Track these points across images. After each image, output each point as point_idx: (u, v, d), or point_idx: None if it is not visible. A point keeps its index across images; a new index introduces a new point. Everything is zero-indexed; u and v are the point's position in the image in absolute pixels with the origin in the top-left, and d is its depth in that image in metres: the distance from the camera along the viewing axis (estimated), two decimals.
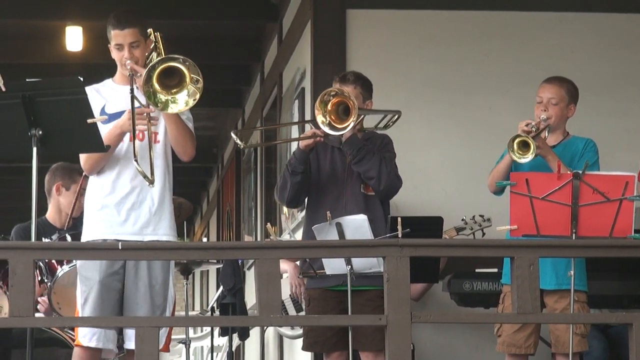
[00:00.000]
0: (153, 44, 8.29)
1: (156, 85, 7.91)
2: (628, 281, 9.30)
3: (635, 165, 8.78)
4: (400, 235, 8.21)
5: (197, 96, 8.07)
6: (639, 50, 10.88)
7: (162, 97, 7.96)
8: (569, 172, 8.32)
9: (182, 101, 8.04)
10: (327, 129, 8.56)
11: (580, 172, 8.35)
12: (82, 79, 7.95)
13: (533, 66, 10.23)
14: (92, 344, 8.19)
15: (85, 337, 8.16)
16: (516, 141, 8.48)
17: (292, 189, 8.89)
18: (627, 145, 9.24)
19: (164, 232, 8.29)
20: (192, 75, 8.02)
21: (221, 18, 14.25)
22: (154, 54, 8.27)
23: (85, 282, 8.08)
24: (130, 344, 8.16)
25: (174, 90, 7.99)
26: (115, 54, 8.30)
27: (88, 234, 8.20)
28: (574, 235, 8.28)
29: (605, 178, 8.36)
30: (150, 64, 7.97)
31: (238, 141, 9.93)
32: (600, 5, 11.00)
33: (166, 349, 8.86)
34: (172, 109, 8.03)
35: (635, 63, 10.83)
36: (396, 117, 9.02)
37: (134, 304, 8.16)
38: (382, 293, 8.15)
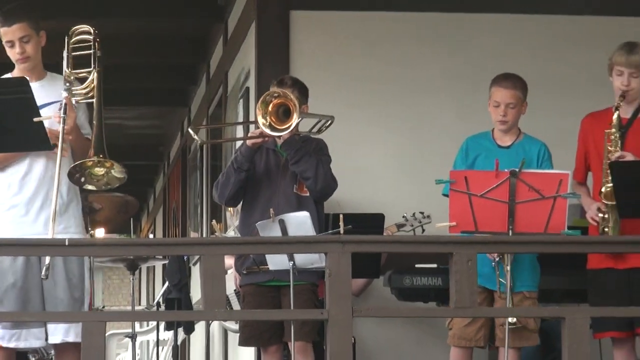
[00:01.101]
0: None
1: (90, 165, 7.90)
2: (560, 276, 9.37)
3: (570, 164, 8.86)
4: (342, 232, 8.29)
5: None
6: (572, 51, 10.96)
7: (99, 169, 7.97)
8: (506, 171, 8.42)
9: (118, 171, 7.98)
10: (267, 130, 8.58)
11: (517, 170, 8.46)
12: (27, 78, 8.00)
13: (470, 66, 10.32)
14: (12, 345, 8.13)
15: (4, 338, 8.08)
16: None
17: (234, 186, 8.93)
18: (562, 143, 9.32)
19: (74, 230, 8.20)
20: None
21: (168, 18, 14.19)
22: (96, 53, 8.22)
23: (2, 281, 7.99)
24: (53, 338, 8.13)
25: (108, 164, 7.94)
26: (9, 52, 8.18)
27: None
28: (510, 231, 8.33)
29: (540, 176, 8.43)
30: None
31: (195, 137, 9.97)
32: (535, 7, 11.07)
33: None
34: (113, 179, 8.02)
35: (569, 64, 10.91)
36: (329, 122, 9.03)
37: (54, 299, 8.06)
38: (312, 287, 8.26)
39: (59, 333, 8.13)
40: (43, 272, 7.81)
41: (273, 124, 8.59)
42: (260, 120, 8.57)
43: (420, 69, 10.96)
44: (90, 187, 8.04)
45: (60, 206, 8.06)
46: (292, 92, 8.76)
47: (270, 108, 8.58)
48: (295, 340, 8.62)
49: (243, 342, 9.08)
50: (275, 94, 8.62)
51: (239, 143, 9.52)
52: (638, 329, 8.69)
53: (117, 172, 7.98)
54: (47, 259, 7.82)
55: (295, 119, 8.56)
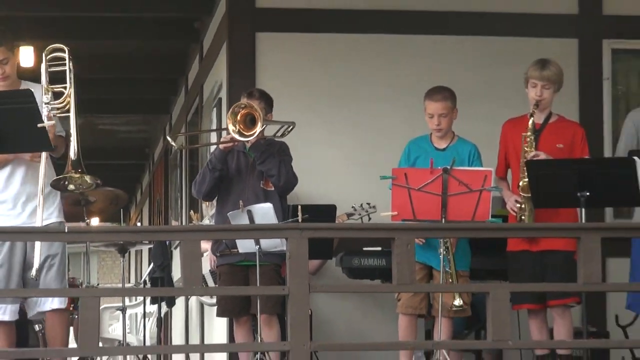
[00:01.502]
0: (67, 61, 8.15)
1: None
2: (485, 257, 9.38)
3: (495, 162, 8.92)
4: (300, 220, 8.34)
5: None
6: (495, 66, 10.97)
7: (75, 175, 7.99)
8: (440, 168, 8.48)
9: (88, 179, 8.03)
10: (237, 136, 8.65)
11: (449, 167, 8.52)
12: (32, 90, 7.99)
13: (413, 79, 10.31)
14: (6, 318, 8.15)
15: None
16: None
17: (209, 184, 8.99)
18: (489, 145, 9.36)
19: (56, 215, 8.18)
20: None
21: (154, 40, 14.18)
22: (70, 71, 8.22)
23: None
24: (45, 307, 8.16)
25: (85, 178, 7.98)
26: None
27: None
28: (443, 219, 8.40)
29: (468, 172, 8.49)
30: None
31: (173, 143, 10.01)
32: (466, 29, 11.10)
33: (68, 307, 8.85)
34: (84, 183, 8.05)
35: (494, 78, 10.93)
36: (291, 127, 9.08)
37: (38, 279, 7.99)
38: (275, 267, 8.29)
39: (47, 303, 8.15)
40: (33, 273, 7.85)
41: (241, 130, 8.65)
42: (231, 127, 8.63)
43: (368, 82, 10.93)
44: (71, 187, 8.07)
45: (41, 199, 8.00)
46: (259, 103, 8.84)
47: (238, 117, 8.65)
48: (261, 312, 8.69)
49: (220, 313, 9.16)
50: (242, 105, 8.69)
51: (212, 147, 9.53)
52: (549, 302, 8.75)
53: (90, 179, 8.04)
54: (37, 263, 7.87)
55: (259, 127, 8.62)
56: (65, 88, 8.10)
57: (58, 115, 8.10)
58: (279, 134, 9.08)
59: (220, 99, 11.94)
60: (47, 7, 12.36)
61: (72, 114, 8.06)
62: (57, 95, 8.12)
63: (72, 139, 7.98)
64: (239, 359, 9.14)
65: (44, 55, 8.16)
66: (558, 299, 8.69)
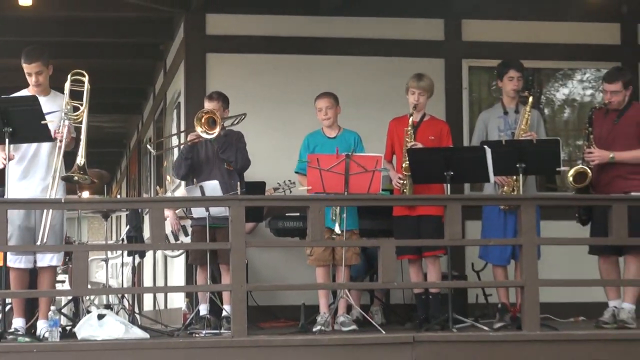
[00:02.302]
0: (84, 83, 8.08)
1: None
2: (376, 221, 9.36)
3: (376, 150, 8.86)
4: (239, 193, 8.24)
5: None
6: (383, 78, 10.96)
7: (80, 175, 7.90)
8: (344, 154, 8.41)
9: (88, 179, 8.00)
10: (204, 135, 8.60)
11: (350, 154, 8.45)
12: (37, 96, 7.86)
13: (322, 88, 10.15)
14: (22, 265, 8.01)
15: (15, 261, 7.96)
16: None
17: (184, 168, 8.94)
18: (378, 136, 9.32)
19: (60, 193, 8.01)
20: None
21: (129, 58, 14.07)
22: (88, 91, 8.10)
23: (11, 224, 7.77)
24: (42, 262, 8.02)
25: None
26: (28, 79, 8.13)
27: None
28: (346, 192, 8.34)
29: (364, 157, 8.44)
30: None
31: (152, 150, 9.95)
32: (360, 51, 11.06)
33: (63, 263, 8.83)
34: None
35: (382, 86, 10.90)
36: (243, 117, 9.03)
37: (45, 236, 7.86)
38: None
39: (46, 260, 8.01)
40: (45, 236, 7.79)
41: (206, 130, 8.60)
42: (198, 129, 8.58)
43: (289, 90, 10.89)
44: (75, 179, 7.97)
45: (55, 176, 7.97)
46: (218, 102, 8.82)
47: (202, 121, 8.60)
48: (221, 262, 8.62)
49: (192, 261, 9.02)
50: (205, 111, 8.63)
51: (176, 146, 9.37)
52: (424, 254, 8.74)
53: (89, 179, 8.02)
54: (47, 225, 7.79)
55: (219, 127, 8.58)
56: (81, 105, 8.03)
57: (74, 124, 8.05)
58: (236, 122, 9.01)
59: (179, 103, 11.84)
60: (51, 33, 12.14)
61: (83, 125, 7.98)
62: (74, 109, 8.06)
63: (81, 145, 7.90)
64: (198, 297, 8.98)
65: (69, 76, 8.10)
66: (430, 251, 8.68)
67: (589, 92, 11.69)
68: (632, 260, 8.35)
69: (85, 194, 9.87)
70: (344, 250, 8.54)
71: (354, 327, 8.31)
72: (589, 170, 8.38)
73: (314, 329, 8.21)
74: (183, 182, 10.32)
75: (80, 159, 7.89)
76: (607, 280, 8.44)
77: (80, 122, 8.02)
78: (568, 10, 11.17)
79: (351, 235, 8.60)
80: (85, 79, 8.06)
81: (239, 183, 8.48)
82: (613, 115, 8.54)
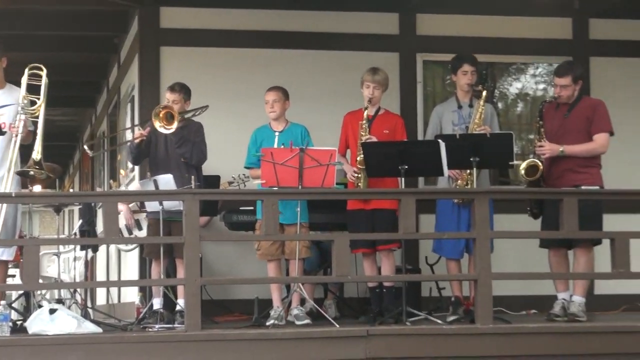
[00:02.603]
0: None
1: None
2: (330, 214, 9.35)
3: (330, 143, 8.85)
4: (193, 186, 8.20)
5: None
6: (338, 72, 10.92)
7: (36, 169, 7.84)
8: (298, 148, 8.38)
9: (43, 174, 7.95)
10: (162, 130, 8.56)
11: (304, 147, 8.42)
12: None
13: (275, 82, 10.09)
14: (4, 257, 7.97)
15: None
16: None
17: (135, 155, 8.91)
18: (326, 130, 9.31)
19: (14, 187, 7.95)
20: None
21: (83, 52, 13.96)
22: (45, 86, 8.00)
23: None
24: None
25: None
26: None
27: None
28: (300, 186, 8.31)
29: (318, 151, 8.41)
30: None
31: (88, 151, 9.95)
32: (313, 45, 11.02)
33: (17, 259, 8.80)
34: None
35: (336, 82, 10.87)
36: (205, 108, 9.01)
37: None
38: None
39: None
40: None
41: (164, 126, 8.55)
42: (157, 124, 8.55)
43: (245, 84, 10.82)
44: (31, 174, 7.89)
45: (10, 170, 7.91)
46: (180, 94, 8.80)
47: (161, 115, 8.54)
48: (178, 257, 8.53)
49: (147, 254, 8.95)
50: (162, 107, 8.62)
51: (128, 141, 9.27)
52: (378, 247, 8.76)
53: (44, 174, 7.95)
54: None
55: (176, 122, 8.55)
56: (38, 99, 7.95)
57: (30, 118, 7.99)
58: (198, 114, 8.97)
59: (133, 97, 11.76)
60: (3, 26, 12.00)
61: (40, 120, 7.90)
62: (31, 103, 7.99)
63: (37, 139, 7.81)
64: (152, 291, 8.91)
65: (26, 69, 8.01)
66: (384, 245, 8.69)
67: (541, 86, 11.76)
68: (581, 253, 8.42)
69: (37, 188, 9.77)
70: (297, 244, 8.52)
71: (307, 321, 8.30)
72: (540, 164, 8.44)
73: (268, 323, 8.19)
74: (137, 176, 10.25)
75: (37, 154, 7.81)
76: (560, 274, 8.50)
77: (37, 117, 7.95)
78: (521, 5, 11.22)
79: (301, 228, 8.58)
80: (44, 73, 8.00)
81: (193, 177, 8.42)
82: (563, 109, 8.61)
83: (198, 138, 8.86)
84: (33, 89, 8.00)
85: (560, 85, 8.53)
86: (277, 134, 8.88)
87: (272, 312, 8.47)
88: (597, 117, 8.53)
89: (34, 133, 7.97)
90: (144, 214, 9.27)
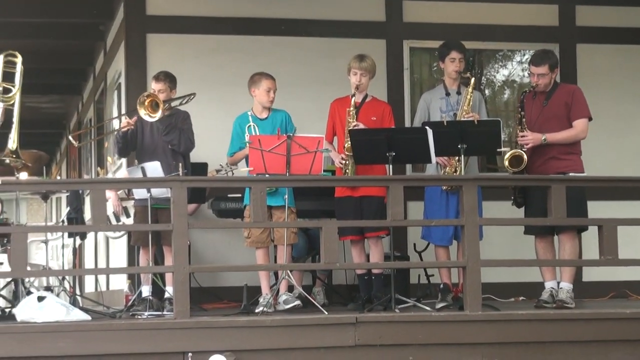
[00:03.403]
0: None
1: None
2: (318, 201, 9.30)
3: (316, 130, 8.81)
4: (181, 174, 8.15)
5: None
6: (326, 60, 10.88)
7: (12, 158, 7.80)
8: (285, 135, 8.33)
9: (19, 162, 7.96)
10: (147, 118, 8.49)
11: (292, 134, 8.37)
12: None
13: (262, 69, 10.06)
14: None
15: None
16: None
17: (122, 147, 8.84)
18: (312, 117, 9.28)
19: None
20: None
21: (69, 39, 13.85)
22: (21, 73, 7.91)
23: None
24: None
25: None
26: None
27: None
28: (288, 173, 8.26)
29: (306, 138, 8.35)
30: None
31: (74, 142, 10.08)
32: (299, 32, 10.99)
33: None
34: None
35: (323, 69, 10.82)
36: (192, 97, 8.94)
37: None
38: None
39: None
40: None
41: (149, 114, 8.48)
42: (142, 112, 8.47)
43: (230, 71, 10.77)
44: (7, 162, 7.89)
45: None
46: (165, 83, 8.73)
47: (146, 104, 8.47)
48: (166, 244, 8.50)
49: (134, 242, 8.89)
50: (147, 95, 8.53)
51: (115, 130, 9.22)
52: (366, 234, 8.74)
53: (20, 163, 7.93)
54: None
55: (161, 110, 8.47)
56: (14, 87, 7.82)
57: (5, 107, 7.87)
58: (185, 102, 8.90)
59: (120, 84, 11.72)
60: None
61: (15, 108, 7.79)
62: (5, 90, 7.87)
63: (13, 128, 7.72)
64: (140, 278, 8.86)
65: (1, 57, 7.87)
66: (373, 232, 8.67)
67: (528, 73, 11.74)
68: (566, 239, 8.42)
69: (24, 175, 9.70)
70: (285, 230, 8.48)
71: (297, 302, 8.28)
72: (524, 154, 8.42)
73: (257, 310, 8.15)
74: (124, 164, 10.19)
75: (12, 143, 7.72)
76: (549, 261, 8.50)
77: (12, 105, 7.84)
78: None
79: (290, 213, 8.54)
80: (19, 60, 7.87)
81: (180, 164, 8.37)
82: (541, 98, 8.62)
83: (185, 126, 8.80)
84: (8, 77, 7.89)
85: (538, 74, 8.54)
86: (260, 121, 8.81)
87: (260, 300, 8.43)
88: (576, 103, 8.56)
89: (9, 122, 7.85)
90: (132, 202, 9.21)
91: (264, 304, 8.28)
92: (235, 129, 8.87)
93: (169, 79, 8.83)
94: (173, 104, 8.84)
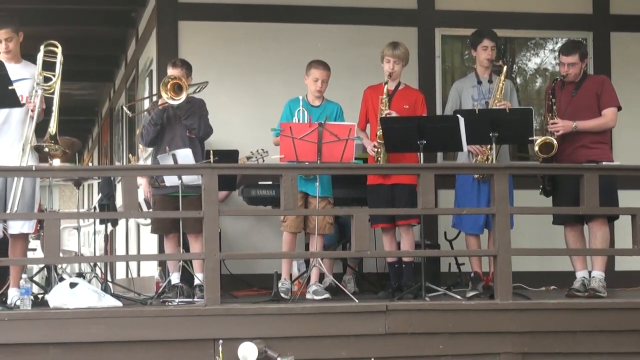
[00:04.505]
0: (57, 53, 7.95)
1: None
2: (350, 189, 9.29)
3: (351, 118, 8.79)
4: (212, 161, 8.16)
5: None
6: (358, 47, 10.82)
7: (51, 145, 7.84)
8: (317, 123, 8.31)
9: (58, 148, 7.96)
10: (170, 101, 8.46)
11: (323, 122, 8.35)
12: (7, 63, 7.75)
13: (293, 57, 10.10)
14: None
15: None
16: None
17: (152, 134, 8.75)
18: (348, 105, 9.28)
19: (32, 160, 7.94)
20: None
21: (102, 26, 13.93)
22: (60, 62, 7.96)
23: None
24: (13, 230, 7.92)
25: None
26: None
27: None
28: (319, 161, 8.24)
29: (337, 126, 8.36)
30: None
31: (128, 112, 10.09)
32: (333, 19, 10.92)
33: (36, 231, 8.85)
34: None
35: (359, 55, 10.77)
36: (205, 85, 8.90)
37: (15, 204, 7.81)
38: (199, 197, 8.06)
39: (17, 227, 7.91)
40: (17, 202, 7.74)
41: (172, 97, 8.45)
42: (164, 95, 8.45)
43: (261, 59, 10.77)
44: (46, 150, 7.91)
45: (26, 145, 7.87)
46: (182, 70, 8.67)
47: (169, 87, 8.46)
48: (189, 232, 8.48)
49: (154, 231, 8.93)
50: (171, 77, 8.49)
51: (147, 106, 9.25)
52: (397, 222, 8.72)
53: (59, 149, 7.93)
54: (17, 194, 7.76)
55: (185, 93, 8.42)
56: (54, 76, 7.93)
57: (45, 94, 7.94)
58: (199, 90, 8.87)
59: (151, 71, 11.73)
60: (21, 0, 11.97)
61: (55, 96, 7.86)
62: (46, 79, 7.94)
63: (53, 115, 7.78)
64: (168, 266, 8.89)
65: (42, 46, 7.95)
66: (404, 220, 8.64)
67: (557, 62, 11.65)
68: (597, 228, 8.37)
69: (57, 162, 9.76)
70: (317, 219, 8.47)
71: (327, 295, 8.27)
72: (554, 141, 8.36)
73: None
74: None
75: (52, 129, 7.79)
76: (581, 249, 8.44)
77: (53, 93, 7.92)
78: None
79: (326, 204, 8.53)
80: (59, 50, 7.96)
81: (211, 151, 8.36)
82: (570, 88, 8.58)
83: (203, 112, 8.79)
84: (48, 66, 7.95)
85: (568, 63, 8.51)
86: (311, 108, 8.77)
87: (279, 285, 8.40)
88: (605, 93, 8.53)
89: (49, 110, 7.94)
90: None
91: (283, 290, 8.28)
92: (285, 111, 8.83)
93: (185, 65, 8.81)
94: (187, 92, 8.83)
